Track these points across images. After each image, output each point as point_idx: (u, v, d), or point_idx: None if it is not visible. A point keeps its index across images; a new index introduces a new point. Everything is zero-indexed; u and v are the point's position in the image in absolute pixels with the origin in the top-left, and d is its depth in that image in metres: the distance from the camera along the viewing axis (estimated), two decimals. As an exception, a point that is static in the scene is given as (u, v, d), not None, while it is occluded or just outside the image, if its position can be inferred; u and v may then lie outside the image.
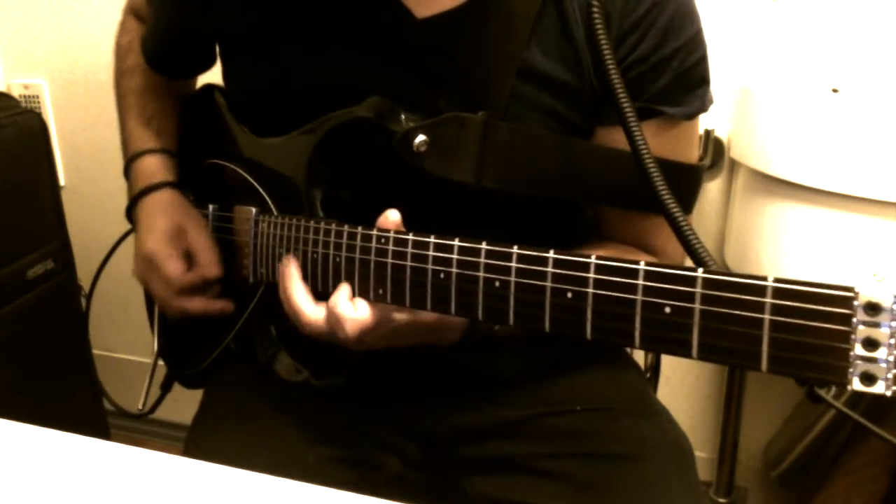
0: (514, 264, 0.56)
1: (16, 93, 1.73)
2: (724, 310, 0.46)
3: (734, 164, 1.33)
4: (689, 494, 0.76)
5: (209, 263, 0.83)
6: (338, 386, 0.79)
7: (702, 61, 0.74)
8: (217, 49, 0.86)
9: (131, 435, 1.81)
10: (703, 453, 1.55)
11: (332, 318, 0.66)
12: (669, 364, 1.46)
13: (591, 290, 0.52)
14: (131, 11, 0.99)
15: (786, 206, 1.12)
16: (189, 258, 0.84)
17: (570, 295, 0.53)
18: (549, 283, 0.54)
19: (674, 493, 0.75)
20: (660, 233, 0.75)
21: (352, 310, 0.65)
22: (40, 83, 1.73)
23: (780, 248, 1.15)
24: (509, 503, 0.77)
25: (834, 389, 0.53)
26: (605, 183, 0.74)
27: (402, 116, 0.71)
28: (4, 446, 0.59)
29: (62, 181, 1.75)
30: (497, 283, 0.56)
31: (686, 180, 0.76)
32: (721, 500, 1.53)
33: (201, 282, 0.83)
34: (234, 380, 0.88)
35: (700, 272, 0.47)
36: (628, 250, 0.78)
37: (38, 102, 1.73)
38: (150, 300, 0.99)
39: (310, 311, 0.68)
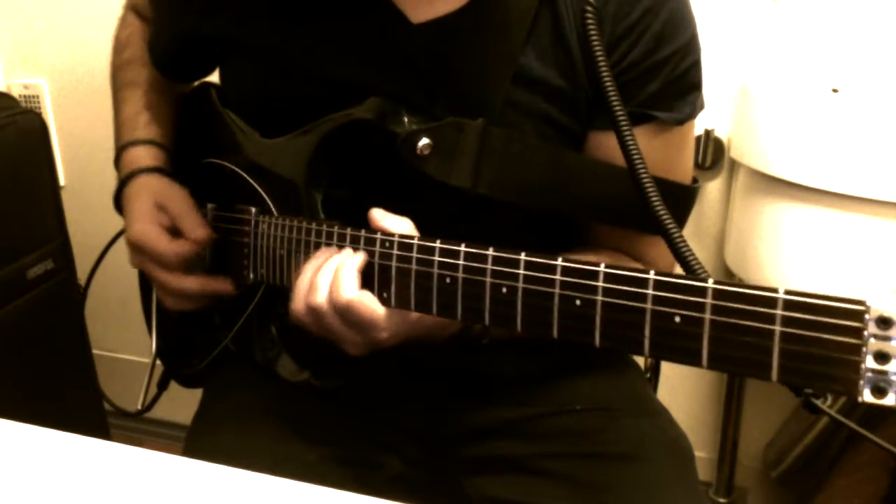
0: (521, 271, 0.55)
1: (16, 93, 1.73)
2: (734, 320, 0.46)
3: (734, 164, 1.33)
4: (688, 494, 0.76)
5: (193, 227, 0.80)
6: (338, 386, 0.79)
7: (694, 67, 0.73)
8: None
9: (131, 435, 1.81)
10: (703, 453, 1.55)
11: (369, 326, 0.65)
12: (670, 364, 1.46)
13: (600, 298, 0.52)
14: (132, 7, 0.99)
15: (786, 206, 1.12)
16: (176, 232, 0.82)
17: (578, 303, 0.53)
18: (557, 291, 0.54)
19: (674, 493, 0.75)
20: (653, 246, 0.75)
21: (383, 315, 0.65)
22: (40, 83, 1.73)
23: (779, 248, 1.15)
24: (509, 503, 0.77)
25: (830, 398, 0.53)
26: (599, 198, 0.74)
27: (405, 118, 0.70)
28: (4, 446, 0.59)
29: (62, 181, 1.75)
30: (504, 290, 0.56)
31: (680, 200, 0.76)
32: (721, 500, 1.53)
33: (193, 248, 0.80)
34: (233, 380, 0.88)
35: (711, 283, 0.47)
36: (618, 257, 0.78)
37: (38, 102, 1.73)
38: (146, 300, 0.99)
39: (366, 298, 0.65)
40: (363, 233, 0.66)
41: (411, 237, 0.62)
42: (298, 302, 0.67)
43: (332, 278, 0.66)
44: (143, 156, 0.88)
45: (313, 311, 0.66)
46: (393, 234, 0.64)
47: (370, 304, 0.64)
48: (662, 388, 1.05)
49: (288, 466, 0.63)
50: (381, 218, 0.67)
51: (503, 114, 0.71)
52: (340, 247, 0.67)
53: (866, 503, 1.29)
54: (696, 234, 1.43)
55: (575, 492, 0.75)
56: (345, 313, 0.65)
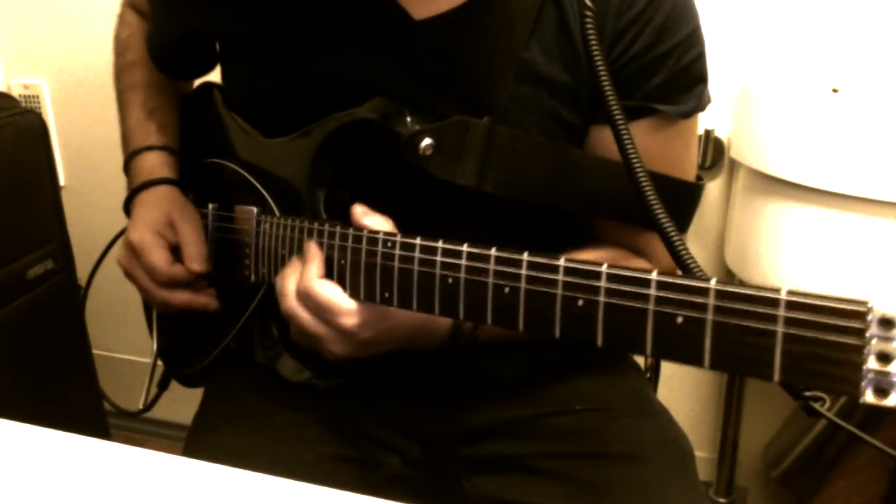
0: (524, 271, 0.55)
1: (16, 93, 1.73)
2: (737, 321, 0.46)
3: (734, 164, 1.33)
4: (688, 494, 0.76)
5: (194, 258, 0.81)
6: (339, 386, 0.79)
7: (698, 59, 0.73)
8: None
9: (131, 435, 1.81)
10: (703, 453, 1.55)
11: (330, 310, 0.66)
12: (670, 364, 1.46)
13: (602, 299, 0.52)
14: (130, 4, 0.99)
15: (786, 206, 1.12)
16: (176, 251, 0.83)
17: (581, 303, 0.53)
18: (559, 291, 0.54)
19: (674, 493, 0.75)
20: (657, 241, 0.75)
21: (351, 302, 0.66)
22: (40, 83, 1.73)
23: (779, 248, 1.15)
24: (509, 503, 0.77)
25: (829, 401, 0.53)
26: (602, 196, 0.74)
27: (408, 119, 0.70)
28: (4, 446, 0.59)
29: (62, 181, 1.75)
30: (507, 290, 0.56)
31: (684, 197, 0.76)
32: (721, 500, 1.53)
33: (186, 276, 0.81)
34: (234, 379, 0.88)
35: (713, 283, 0.47)
36: (622, 253, 0.78)
37: (38, 102, 1.73)
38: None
39: (337, 296, 0.67)
40: (365, 233, 0.66)
41: (413, 237, 0.62)
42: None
43: (296, 280, 0.68)
44: (159, 163, 0.88)
45: (288, 315, 0.68)
46: (395, 234, 0.64)
47: (329, 288, 0.66)
48: (662, 388, 1.05)
49: (288, 466, 0.63)
50: (364, 214, 0.67)
51: (507, 110, 0.71)
52: (342, 247, 0.67)
53: (866, 503, 1.29)
54: (696, 234, 1.43)
55: (575, 492, 0.75)
56: (307, 300, 0.67)
